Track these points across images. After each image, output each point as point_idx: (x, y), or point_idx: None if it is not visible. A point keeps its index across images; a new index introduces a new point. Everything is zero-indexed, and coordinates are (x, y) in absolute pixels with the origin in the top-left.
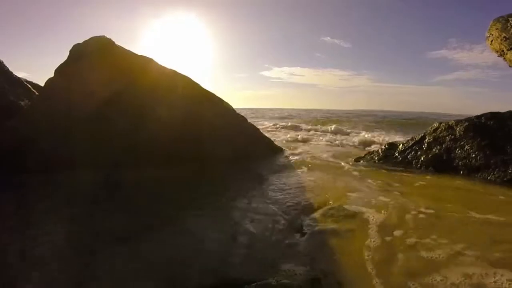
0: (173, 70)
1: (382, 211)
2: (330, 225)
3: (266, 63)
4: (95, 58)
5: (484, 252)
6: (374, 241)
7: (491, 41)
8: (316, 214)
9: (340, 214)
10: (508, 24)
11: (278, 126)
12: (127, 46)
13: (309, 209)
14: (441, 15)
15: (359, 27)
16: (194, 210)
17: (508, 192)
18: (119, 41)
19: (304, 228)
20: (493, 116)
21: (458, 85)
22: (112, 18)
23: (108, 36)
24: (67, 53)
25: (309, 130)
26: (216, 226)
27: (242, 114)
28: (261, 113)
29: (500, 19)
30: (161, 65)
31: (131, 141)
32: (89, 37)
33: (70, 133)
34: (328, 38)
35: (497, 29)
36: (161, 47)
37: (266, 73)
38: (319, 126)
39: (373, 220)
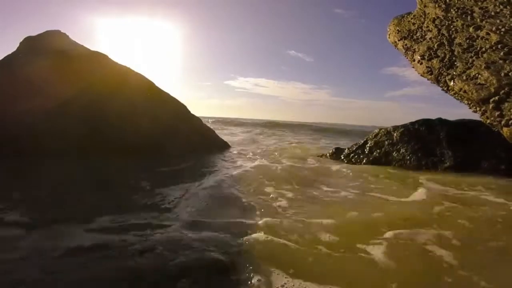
0: (127, 67)
1: None
2: None
3: (231, 73)
4: (48, 52)
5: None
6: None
7: (389, 35)
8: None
9: None
10: (402, 20)
11: None
12: (86, 43)
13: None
14: None
15: (322, 42)
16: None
17: None
18: (77, 37)
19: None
20: (425, 122)
21: (405, 101)
22: (71, 14)
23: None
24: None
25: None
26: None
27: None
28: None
29: (398, 17)
30: (116, 62)
31: (91, 134)
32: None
33: (15, 125)
34: (293, 51)
35: (393, 24)
36: (121, 47)
37: (231, 83)
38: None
39: None
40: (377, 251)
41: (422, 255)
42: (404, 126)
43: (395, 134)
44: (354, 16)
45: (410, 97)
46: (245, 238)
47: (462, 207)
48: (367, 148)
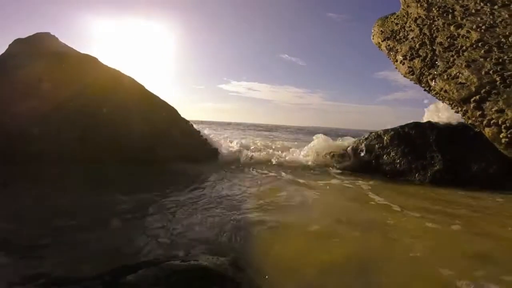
0: (118, 70)
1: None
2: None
3: (224, 76)
4: (40, 54)
5: None
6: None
7: (373, 36)
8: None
9: None
10: (386, 21)
11: None
12: (76, 45)
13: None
14: None
15: (314, 47)
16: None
17: None
18: (67, 39)
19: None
20: (415, 125)
21: (397, 105)
22: (62, 15)
23: (53, 34)
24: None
25: None
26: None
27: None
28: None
29: (382, 17)
30: (106, 65)
31: (85, 139)
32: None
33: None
34: (286, 55)
35: (378, 25)
36: (114, 48)
37: (224, 86)
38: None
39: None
40: None
41: None
42: (394, 129)
43: (385, 138)
44: (347, 20)
45: (402, 101)
46: None
47: None
48: (358, 151)
